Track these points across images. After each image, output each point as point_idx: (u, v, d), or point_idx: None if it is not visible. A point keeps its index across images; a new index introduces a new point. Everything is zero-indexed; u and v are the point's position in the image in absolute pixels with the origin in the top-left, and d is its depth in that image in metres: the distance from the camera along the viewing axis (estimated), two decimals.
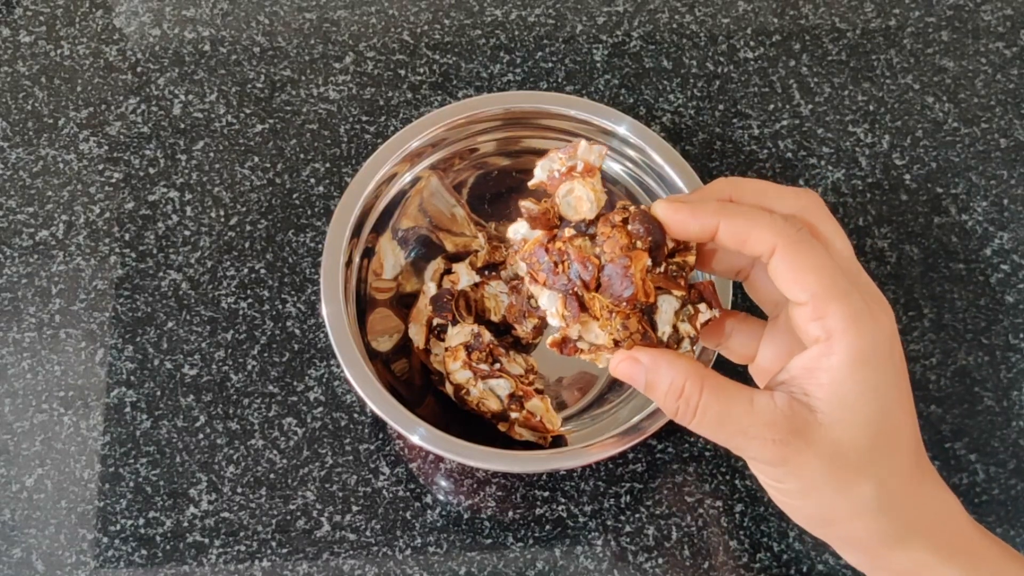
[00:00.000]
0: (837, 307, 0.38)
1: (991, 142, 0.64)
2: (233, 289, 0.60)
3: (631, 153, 0.56)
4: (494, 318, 0.57)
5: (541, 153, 0.57)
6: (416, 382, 0.57)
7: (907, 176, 0.63)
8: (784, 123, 0.64)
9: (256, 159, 0.63)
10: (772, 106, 0.65)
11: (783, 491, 0.41)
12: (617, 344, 0.41)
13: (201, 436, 0.56)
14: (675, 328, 0.42)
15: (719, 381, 0.40)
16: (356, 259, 0.55)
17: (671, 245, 0.42)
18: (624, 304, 0.40)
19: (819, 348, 0.38)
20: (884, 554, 0.41)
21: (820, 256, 0.38)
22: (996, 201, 0.63)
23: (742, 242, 0.39)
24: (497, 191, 0.60)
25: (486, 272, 0.58)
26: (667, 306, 0.42)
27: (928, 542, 0.40)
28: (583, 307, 0.41)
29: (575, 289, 0.41)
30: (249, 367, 0.58)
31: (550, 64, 0.66)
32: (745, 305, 0.60)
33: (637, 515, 0.55)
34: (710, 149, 0.63)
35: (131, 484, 0.55)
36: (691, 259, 0.43)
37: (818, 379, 0.38)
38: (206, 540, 0.54)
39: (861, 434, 0.38)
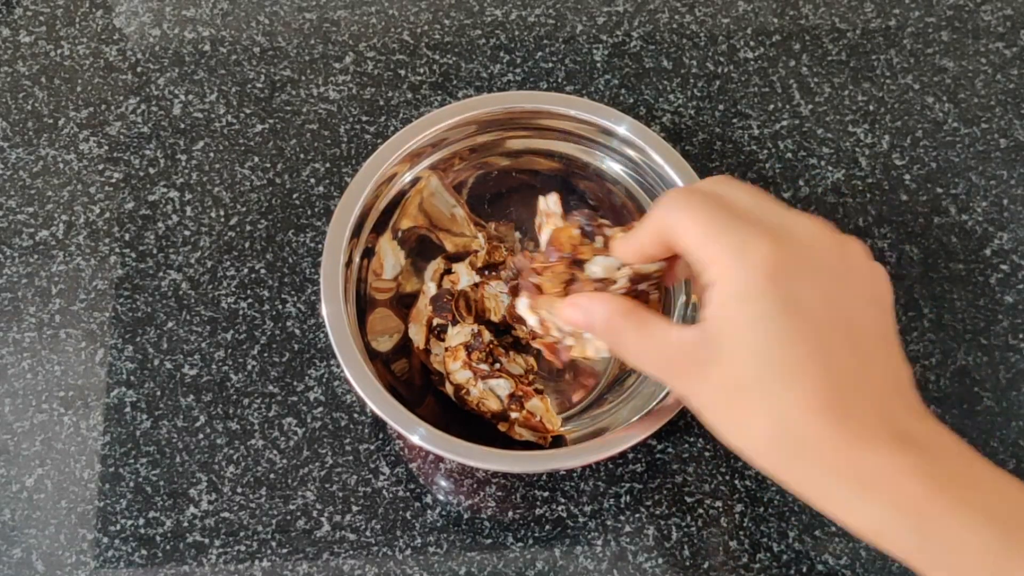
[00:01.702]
0: (712, 249, 0.38)
1: (991, 142, 0.65)
2: (233, 289, 0.60)
3: (631, 153, 0.56)
4: (494, 318, 0.57)
5: (542, 153, 0.58)
6: (416, 382, 0.57)
7: (907, 176, 0.63)
8: (784, 123, 0.64)
9: (256, 159, 0.63)
10: (772, 106, 0.65)
11: (705, 423, 0.41)
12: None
13: (201, 436, 0.57)
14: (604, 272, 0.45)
15: (644, 315, 0.42)
16: (356, 259, 0.55)
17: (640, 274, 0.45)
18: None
19: (710, 288, 0.39)
20: (793, 485, 0.39)
21: (700, 206, 0.39)
22: (996, 201, 0.63)
23: (674, 243, 0.40)
24: (497, 191, 0.60)
25: (486, 272, 0.58)
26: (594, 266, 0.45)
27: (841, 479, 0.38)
28: (540, 290, 0.46)
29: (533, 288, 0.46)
30: (249, 367, 0.58)
31: (550, 64, 0.66)
32: None
33: (637, 515, 0.55)
34: (710, 149, 0.64)
35: (131, 484, 0.55)
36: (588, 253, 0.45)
37: (710, 317, 0.39)
38: (206, 540, 0.54)
39: (748, 366, 0.38)
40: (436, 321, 0.57)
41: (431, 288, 0.58)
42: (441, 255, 0.59)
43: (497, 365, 0.55)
